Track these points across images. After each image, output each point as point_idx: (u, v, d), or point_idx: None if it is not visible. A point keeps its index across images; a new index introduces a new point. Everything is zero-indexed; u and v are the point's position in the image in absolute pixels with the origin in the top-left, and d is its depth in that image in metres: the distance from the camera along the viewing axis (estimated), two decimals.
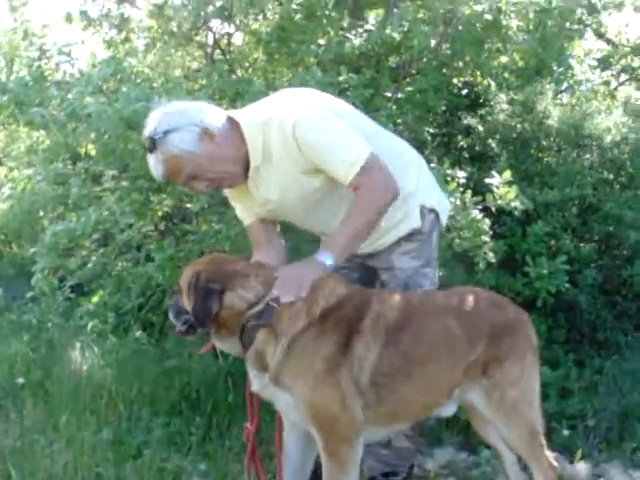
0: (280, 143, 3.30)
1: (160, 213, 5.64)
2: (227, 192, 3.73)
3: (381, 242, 3.61)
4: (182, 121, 3.29)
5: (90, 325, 5.83)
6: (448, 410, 3.48)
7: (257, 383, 3.29)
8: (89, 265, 5.68)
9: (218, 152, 3.32)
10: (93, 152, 5.41)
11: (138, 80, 5.50)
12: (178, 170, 3.32)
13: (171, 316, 3.36)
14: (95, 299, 5.95)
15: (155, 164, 3.33)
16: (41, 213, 6.55)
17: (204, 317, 3.17)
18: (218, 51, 6.67)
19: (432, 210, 3.64)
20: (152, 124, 3.32)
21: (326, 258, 3.22)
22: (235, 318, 3.19)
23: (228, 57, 6.47)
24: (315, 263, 3.25)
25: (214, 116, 3.37)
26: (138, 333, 5.80)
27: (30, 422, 4.53)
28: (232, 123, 3.39)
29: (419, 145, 4.50)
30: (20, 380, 5.09)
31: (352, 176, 3.22)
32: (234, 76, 5.96)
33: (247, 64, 6.70)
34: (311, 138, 3.24)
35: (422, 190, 3.62)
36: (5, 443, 4.21)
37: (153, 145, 3.29)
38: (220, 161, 3.34)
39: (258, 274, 3.23)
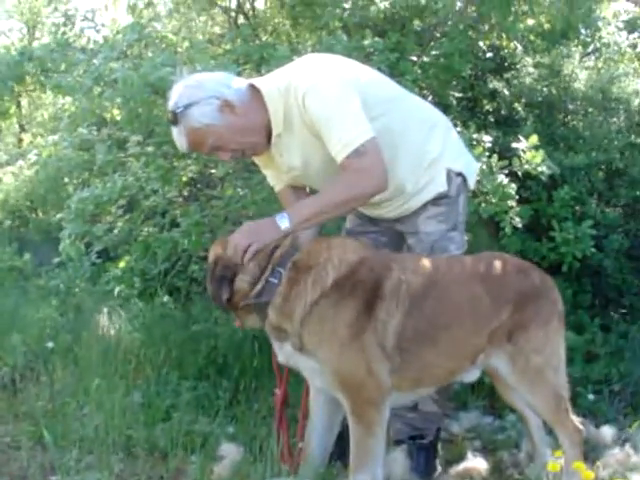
0: (297, 111, 3.31)
1: (185, 179, 5.65)
2: (256, 159, 3.76)
3: (407, 206, 3.60)
4: (202, 94, 3.31)
5: (117, 290, 5.89)
6: (471, 376, 3.50)
7: (281, 354, 3.35)
8: (115, 231, 5.71)
9: (239, 123, 3.34)
10: (118, 118, 5.42)
11: (162, 45, 5.49)
12: (201, 142, 3.36)
13: None
14: (121, 264, 5.99)
15: (179, 137, 3.38)
16: (66, 179, 6.58)
17: (219, 303, 3.28)
18: (241, 15, 6.64)
19: (459, 174, 3.62)
20: (174, 98, 3.35)
21: (283, 221, 3.21)
22: (243, 300, 3.26)
23: (252, 22, 6.43)
24: (270, 224, 3.25)
25: (235, 86, 3.38)
26: (164, 298, 5.85)
27: (60, 385, 4.59)
28: (254, 91, 3.39)
29: (444, 109, 4.46)
30: (50, 344, 5.13)
31: (342, 157, 3.21)
32: (258, 41, 5.92)
33: (271, 29, 6.66)
34: (315, 110, 3.24)
35: (449, 154, 3.60)
36: (37, 405, 4.27)
37: (175, 119, 3.33)
38: (242, 132, 3.36)
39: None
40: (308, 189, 3.73)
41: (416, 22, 5.81)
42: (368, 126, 3.23)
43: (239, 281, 3.23)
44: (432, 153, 3.54)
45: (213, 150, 3.42)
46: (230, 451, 3.68)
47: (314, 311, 3.16)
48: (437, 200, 3.59)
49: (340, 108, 3.23)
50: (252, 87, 3.41)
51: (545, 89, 6.39)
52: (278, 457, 3.54)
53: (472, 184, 3.76)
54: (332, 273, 3.19)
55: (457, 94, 6.09)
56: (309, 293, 3.17)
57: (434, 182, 3.57)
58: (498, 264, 3.43)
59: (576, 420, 3.49)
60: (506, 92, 6.36)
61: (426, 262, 3.36)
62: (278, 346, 3.34)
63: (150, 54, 5.08)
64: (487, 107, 6.45)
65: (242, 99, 3.35)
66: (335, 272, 3.20)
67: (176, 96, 3.34)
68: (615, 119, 6.37)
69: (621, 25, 7.75)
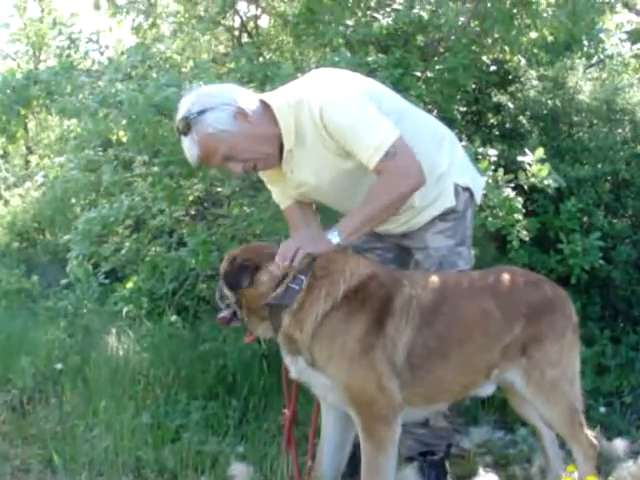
0: (311, 126, 3.29)
1: (191, 198, 5.66)
2: (263, 176, 3.75)
3: (415, 221, 3.60)
4: (216, 101, 3.29)
5: (125, 310, 5.87)
6: (487, 390, 3.48)
7: (294, 369, 3.32)
8: (122, 251, 5.72)
9: (253, 131, 3.31)
10: (124, 139, 5.43)
11: (166, 66, 5.51)
12: (214, 150, 3.31)
13: (217, 297, 3.41)
14: (129, 284, 5.99)
15: (190, 146, 3.32)
16: (73, 200, 6.60)
17: (233, 283, 3.25)
18: (245, 34, 6.67)
19: (466, 188, 3.62)
20: (185, 106, 3.32)
21: (333, 236, 3.21)
22: (261, 299, 3.22)
23: (255, 40, 6.45)
24: (321, 239, 3.25)
25: (246, 97, 3.38)
26: (173, 318, 5.84)
27: (69, 407, 4.59)
28: (264, 105, 3.38)
29: (449, 123, 4.44)
30: (58, 366, 5.13)
31: (375, 161, 3.21)
32: (262, 59, 5.94)
33: (274, 47, 6.68)
34: (337, 122, 3.23)
35: (456, 168, 3.60)
36: (46, 428, 4.27)
37: (187, 126, 3.28)
38: (255, 141, 3.34)
39: None
40: (314, 206, 3.73)
41: (419, 37, 5.82)
42: (391, 125, 3.24)
43: (264, 275, 3.21)
44: (441, 167, 3.54)
45: (225, 160, 3.37)
46: (240, 471, 3.68)
47: (325, 323, 3.15)
48: (445, 215, 3.59)
49: (361, 114, 3.23)
50: (262, 101, 3.40)
51: (549, 101, 6.38)
52: (287, 478, 3.54)
53: (479, 199, 3.76)
54: (343, 285, 3.18)
55: (462, 108, 6.10)
56: (321, 304, 3.16)
57: (442, 197, 3.57)
58: (509, 278, 3.42)
59: (590, 434, 3.47)
60: (510, 105, 6.36)
61: (436, 278, 3.35)
62: (291, 361, 3.31)
63: (154, 75, 5.09)
64: (492, 121, 6.45)
65: (254, 109, 3.34)
66: (346, 285, 3.18)
67: (188, 104, 3.31)
68: (620, 130, 6.35)
69: (624, 36, 7.76)
